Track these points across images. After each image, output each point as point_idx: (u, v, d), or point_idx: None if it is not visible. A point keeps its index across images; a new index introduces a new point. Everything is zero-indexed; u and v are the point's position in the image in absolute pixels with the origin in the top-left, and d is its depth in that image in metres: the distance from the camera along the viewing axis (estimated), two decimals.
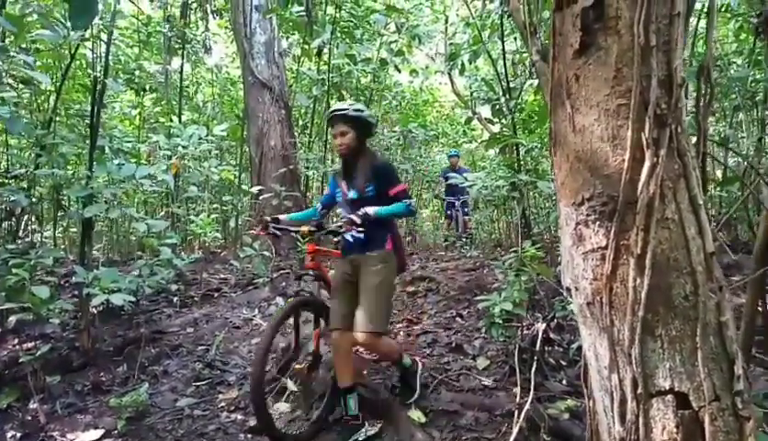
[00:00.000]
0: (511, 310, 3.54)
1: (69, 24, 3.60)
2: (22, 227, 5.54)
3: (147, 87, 8.84)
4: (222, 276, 6.85)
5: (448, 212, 10.52)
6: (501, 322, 3.68)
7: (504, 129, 5.93)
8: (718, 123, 7.69)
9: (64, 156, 4.58)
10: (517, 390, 3.03)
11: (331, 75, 8.47)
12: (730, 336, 1.32)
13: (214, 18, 10.96)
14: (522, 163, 5.65)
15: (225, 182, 8.97)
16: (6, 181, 4.68)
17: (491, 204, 8.28)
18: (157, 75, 9.37)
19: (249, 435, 3.22)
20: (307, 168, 8.99)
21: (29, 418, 3.44)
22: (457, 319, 5.00)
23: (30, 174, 4.54)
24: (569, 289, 1.60)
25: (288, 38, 10.52)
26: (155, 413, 3.52)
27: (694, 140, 1.54)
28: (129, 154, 6.29)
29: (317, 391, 3.49)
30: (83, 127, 6.36)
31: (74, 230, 8.11)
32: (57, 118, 5.35)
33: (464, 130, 12.91)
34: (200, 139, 5.40)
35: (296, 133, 8.69)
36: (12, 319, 3.78)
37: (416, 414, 3.22)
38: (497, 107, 6.15)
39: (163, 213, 8.83)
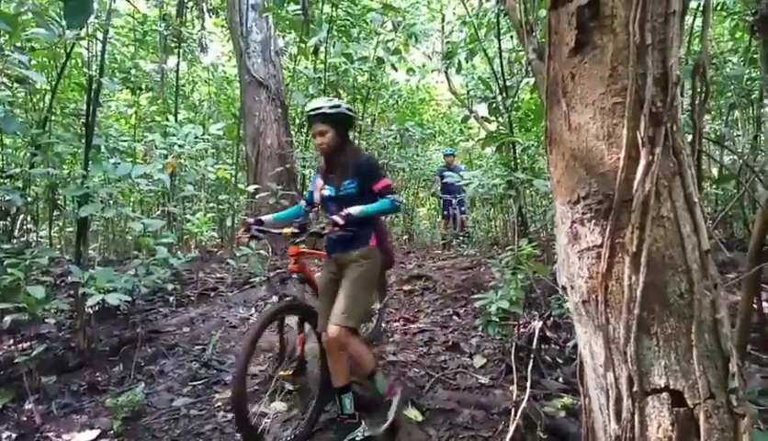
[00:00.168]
0: (507, 308, 3.56)
1: (64, 22, 3.59)
2: (17, 227, 5.52)
3: (143, 86, 8.80)
4: (219, 275, 6.83)
5: (445, 212, 10.54)
6: (497, 320, 3.69)
7: (501, 127, 5.93)
8: (714, 121, 7.72)
9: (60, 155, 4.56)
10: (514, 388, 3.02)
11: (327, 74, 8.45)
12: (725, 334, 1.32)
13: (210, 17, 10.93)
14: (518, 161, 5.66)
15: (221, 181, 8.93)
16: (2, 180, 4.65)
17: (488, 202, 8.30)
18: (153, 74, 9.34)
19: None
20: (303, 167, 8.98)
21: (25, 419, 3.42)
22: (454, 317, 5.01)
23: (26, 173, 4.52)
24: (564, 287, 1.60)
25: (284, 36, 10.50)
26: (151, 413, 3.51)
27: (689, 138, 1.54)
28: (124, 153, 6.29)
29: (314, 390, 3.47)
30: (78, 126, 6.32)
31: (70, 229, 8.08)
32: (52, 118, 5.31)
33: (461, 129, 12.93)
34: (196, 138, 5.39)
35: (292, 132, 8.67)
36: (7, 319, 3.76)
37: (413, 413, 3.22)
38: (494, 105, 6.15)
39: (159, 212, 8.79)
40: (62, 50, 4.59)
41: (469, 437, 3.02)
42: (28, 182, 4.96)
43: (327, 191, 3.23)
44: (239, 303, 5.65)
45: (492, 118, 6.30)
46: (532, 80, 5.04)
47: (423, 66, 11.56)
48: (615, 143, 1.37)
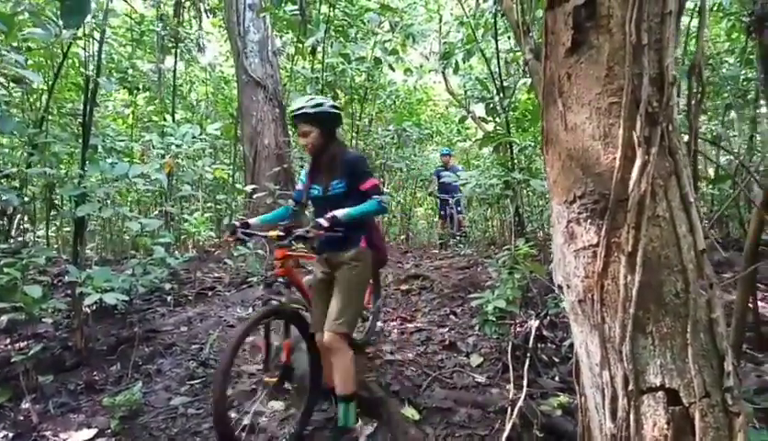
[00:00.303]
0: (504, 307, 3.56)
1: (61, 22, 3.59)
2: (14, 226, 5.51)
3: (140, 86, 8.79)
4: (216, 274, 6.83)
5: (442, 212, 10.55)
6: (494, 319, 3.70)
7: (498, 127, 5.93)
8: (710, 122, 7.74)
9: (57, 155, 4.56)
10: (510, 386, 3.04)
11: (325, 74, 8.45)
12: (721, 333, 1.33)
13: (207, 17, 10.93)
14: (515, 161, 5.67)
15: (219, 181, 8.93)
16: None
17: (485, 202, 8.31)
18: (150, 74, 9.32)
19: (243, 434, 3.21)
20: (301, 167, 8.95)
21: (22, 418, 3.42)
22: (451, 316, 5.02)
23: (22, 173, 4.52)
24: (561, 287, 1.61)
25: (281, 36, 10.49)
26: (149, 412, 3.50)
27: (685, 138, 1.55)
28: (122, 153, 6.29)
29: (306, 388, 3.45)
30: (75, 126, 6.31)
31: (67, 229, 8.06)
32: (49, 117, 5.31)
33: (458, 129, 12.94)
34: (194, 137, 5.39)
35: (290, 132, 8.66)
36: (4, 318, 3.76)
37: (410, 412, 3.23)
38: (491, 105, 6.17)
39: (156, 212, 8.80)
40: (59, 50, 4.58)
41: (466, 436, 3.02)
42: (25, 181, 4.95)
43: (315, 191, 3.18)
44: (236, 303, 5.65)
45: (489, 118, 6.32)
46: (529, 80, 5.05)
47: (421, 66, 11.58)
48: (611, 143, 1.38)
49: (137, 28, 9.08)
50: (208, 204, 9.33)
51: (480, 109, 8.05)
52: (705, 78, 1.74)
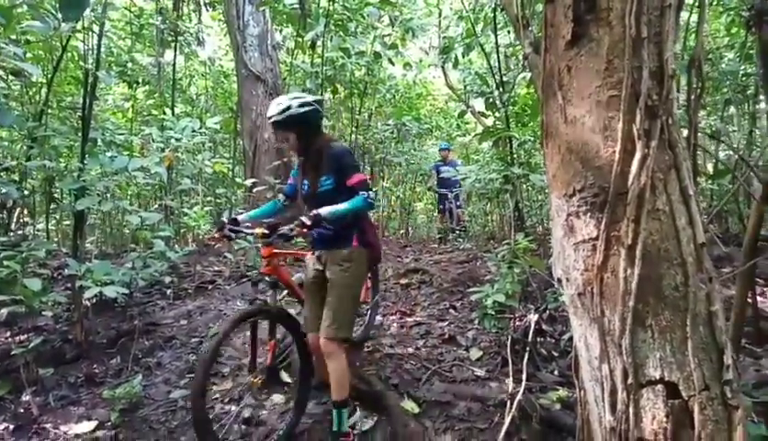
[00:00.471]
0: (503, 301, 3.57)
1: (60, 15, 3.58)
2: (14, 219, 5.51)
3: (140, 80, 8.76)
4: (216, 268, 6.83)
5: (441, 206, 10.53)
6: (493, 313, 3.70)
7: (497, 122, 5.94)
8: (710, 116, 7.74)
9: (56, 149, 4.55)
10: (509, 380, 3.06)
11: (324, 68, 8.42)
12: (720, 327, 1.33)
13: (207, 10, 10.87)
14: (515, 156, 5.67)
15: (219, 175, 8.91)
16: None
17: (485, 197, 8.30)
18: (150, 68, 9.29)
19: (243, 427, 3.22)
20: None
21: (22, 410, 3.43)
22: (451, 310, 5.03)
23: (22, 166, 4.51)
24: (560, 280, 1.61)
25: (281, 30, 10.46)
26: (149, 405, 3.52)
27: (685, 133, 1.55)
28: (121, 147, 6.27)
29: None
30: (75, 119, 6.31)
31: (67, 222, 8.05)
32: (49, 111, 5.29)
33: (457, 124, 12.91)
34: (193, 131, 5.38)
35: None
36: (4, 311, 3.76)
37: (409, 405, 3.24)
38: (490, 100, 6.16)
39: (156, 206, 8.78)
40: (58, 43, 4.57)
41: (465, 429, 3.04)
42: (25, 175, 4.93)
43: (305, 188, 3.10)
44: (236, 296, 5.65)
45: (489, 112, 6.32)
46: (529, 75, 5.04)
47: (420, 61, 11.56)
48: (610, 136, 1.38)
49: (136, 22, 9.04)
50: (208, 198, 9.32)
51: (479, 104, 8.04)
52: (704, 73, 1.74)
